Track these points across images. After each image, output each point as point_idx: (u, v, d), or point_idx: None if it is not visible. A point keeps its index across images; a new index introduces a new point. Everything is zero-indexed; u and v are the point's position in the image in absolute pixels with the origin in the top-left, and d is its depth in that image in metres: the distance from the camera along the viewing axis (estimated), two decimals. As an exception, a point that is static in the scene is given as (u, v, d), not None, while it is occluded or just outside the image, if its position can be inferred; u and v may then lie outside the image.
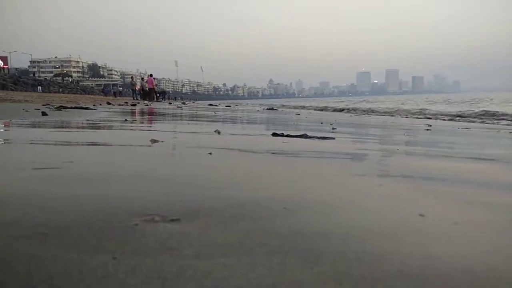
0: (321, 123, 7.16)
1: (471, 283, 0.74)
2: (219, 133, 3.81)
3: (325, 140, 3.56)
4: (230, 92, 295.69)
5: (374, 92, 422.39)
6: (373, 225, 1.08)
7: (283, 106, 28.15)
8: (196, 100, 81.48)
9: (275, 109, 17.45)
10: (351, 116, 13.02)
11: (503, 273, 0.80)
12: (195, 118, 7.48)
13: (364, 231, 1.01)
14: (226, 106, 20.34)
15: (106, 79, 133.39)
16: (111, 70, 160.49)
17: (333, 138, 3.75)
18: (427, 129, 6.39)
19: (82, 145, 2.66)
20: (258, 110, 15.01)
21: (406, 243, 0.94)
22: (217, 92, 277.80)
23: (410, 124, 8.50)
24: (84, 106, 10.46)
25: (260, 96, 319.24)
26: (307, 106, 26.32)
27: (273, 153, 2.56)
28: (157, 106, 15.85)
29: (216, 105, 20.57)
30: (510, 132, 6.19)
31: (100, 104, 13.93)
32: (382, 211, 1.24)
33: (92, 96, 39.81)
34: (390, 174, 2.03)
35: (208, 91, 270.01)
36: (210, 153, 2.28)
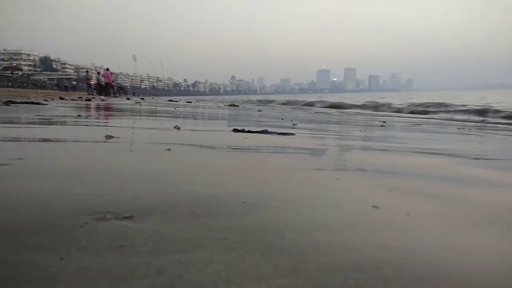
0: (282, 119, 7.23)
1: (423, 272, 0.77)
2: (178, 129, 3.74)
3: (286, 136, 3.59)
4: (191, 88, 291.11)
5: (333, 90, 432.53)
6: (329, 218, 1.09)
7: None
8: (155, 95, 79.66)
9: (237, 105, 17.43)
10: (311, 113, 13.26)
11: (452, 261, 0.84)
12: (154, 114, 7.31)
13: (321, 224, 1.03)
14: (186, 102, 20.06)
15: (60, 73, 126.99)
16: (64, 63, 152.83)
17: (293, 134, 3.79)
18: (382, 125, 6.63)
19: (33, 141, 2.51)
20: (219, 107, 14.92)
21: (360, 235, 0.96)
22: (177, 88, 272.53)
23: (365, 120, 8.79)
24: (35, 101, 9.92)
25: (222, 92, 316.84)
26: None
27: (233, 148, 2.54)
28: (113, 101, 15.32)
29: (176, 101, 20.20)
30: (458, 128, 6.56)
31: (53, 99, 13.27)
32: (338, 204, 1.26)
33: (44, 90, 37.77)
34: (347, 168, 2.08)
35: (168, 86, 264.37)
36: (169, 149, 2.23)
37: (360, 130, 5.50)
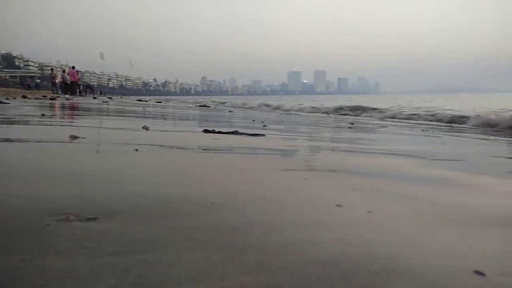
0: (253, 120, 7.27)
1: (379, 267, 0.81)
2: (147, 129, 3.69)
3: (256, 137, 3.62)
4: (161, 88, 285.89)
5: (304, 92, 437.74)
6: (294, 216, 1.13)
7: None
8: (124, 95, 77.86)
9: (208, 106, 17.33)
10: (281, 114, 13.39)
11: (408, 257, 0.88)
12: (122, 114, 7.15)
13: (286, 223, 1.05)
14: (156, 102, 19.74)
15: (23, 70, 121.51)
16: (28, 61, 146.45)
17: (264, 135, 3.83)
18: (350, 127, 6.80)
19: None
20: (190, 107, 14.79)
21: (323, 232, 1.00)
22: (147, 87, 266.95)
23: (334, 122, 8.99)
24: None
25: (193, 92, 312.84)
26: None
27: (204, 149, 2.54)
28: (79, 100, 14.87)
29: (145, 101, 19.84)
30: (422, 130, 6.83)
31: (15, 98, 12.74)
32: (303, 203, 1.30)
33: (6, 88, 36.04)
34: (314, 168, 2.13)
35: (138, 86, 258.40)
36: (136, 150, 2.20)
37: (329, 131, 5.62)
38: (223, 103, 25.49)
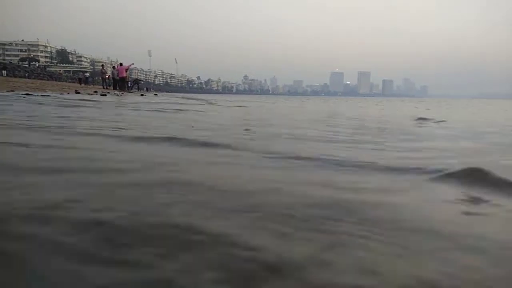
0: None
1: None
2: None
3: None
4: (204, 86, 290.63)
5: (346, 93, 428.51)
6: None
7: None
8: (168, 91, 79.84)
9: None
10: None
11: None
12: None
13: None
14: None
15: (76, 65, 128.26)
16: (80, 56, 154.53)
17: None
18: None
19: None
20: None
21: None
22: (190, 85, 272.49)
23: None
24: (52, 95, 10.08)
25: (234, 91, 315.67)
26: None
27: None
28: (129, 99, 15.33)
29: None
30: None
31: (68, 93, 13.44)
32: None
33: (60, 82, 38.17)
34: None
35: (182, 83, 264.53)
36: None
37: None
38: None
